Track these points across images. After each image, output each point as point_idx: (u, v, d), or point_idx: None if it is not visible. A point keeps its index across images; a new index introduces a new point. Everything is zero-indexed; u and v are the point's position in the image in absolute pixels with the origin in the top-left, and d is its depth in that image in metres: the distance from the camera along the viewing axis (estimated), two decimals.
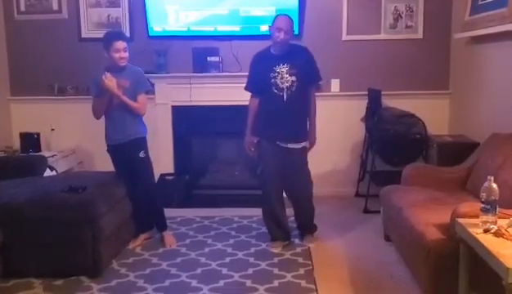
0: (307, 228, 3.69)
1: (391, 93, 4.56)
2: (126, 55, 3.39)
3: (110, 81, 3.31)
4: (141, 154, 3.51)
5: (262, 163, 3.51)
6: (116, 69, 3.39)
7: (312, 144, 3.58)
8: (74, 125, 4.93)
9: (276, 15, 3.43)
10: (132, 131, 3.49)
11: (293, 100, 3.36)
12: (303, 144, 3.49)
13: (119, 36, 3.44)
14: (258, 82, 3.44)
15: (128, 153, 3.49)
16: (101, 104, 3.45)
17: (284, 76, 3.33)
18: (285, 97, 3.35)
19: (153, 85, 4.66)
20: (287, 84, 3.34)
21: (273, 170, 3.46)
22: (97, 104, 3.48)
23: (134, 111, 3.45)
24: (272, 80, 3.34)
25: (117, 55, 3.35)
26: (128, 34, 4.73)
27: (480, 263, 2.17)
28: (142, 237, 3.66)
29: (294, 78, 3.34)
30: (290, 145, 3.43)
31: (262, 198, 3.59)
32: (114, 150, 3.54)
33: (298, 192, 3.61)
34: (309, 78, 3.45)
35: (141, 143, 3.54)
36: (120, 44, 3.35)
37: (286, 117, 3.38)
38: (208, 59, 4.63)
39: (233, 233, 3.85)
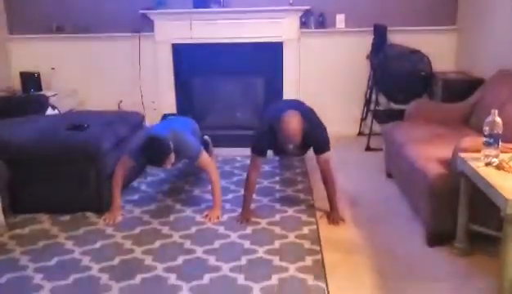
0: None
1: (397, 29, 4.44)
2: (170, 165, 3.08)
3: None
4: None
5: None
6: None
7: None
8: (74, 64, 4.88)
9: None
10: None
11: None
12: None
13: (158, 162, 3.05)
14: None
15: None
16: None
17: None
18: None
19: (152, 21, 4.59)
20: None
21: None
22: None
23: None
24: None
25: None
26: None
27: (480, 197, 2.19)
28: None
29: None
30: None
31: None
32: None
33: None
34: None
35: None
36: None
37: None
38: None
39: (236, 171, 3.90)
